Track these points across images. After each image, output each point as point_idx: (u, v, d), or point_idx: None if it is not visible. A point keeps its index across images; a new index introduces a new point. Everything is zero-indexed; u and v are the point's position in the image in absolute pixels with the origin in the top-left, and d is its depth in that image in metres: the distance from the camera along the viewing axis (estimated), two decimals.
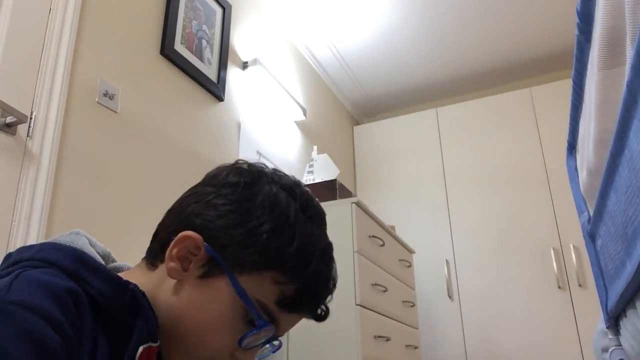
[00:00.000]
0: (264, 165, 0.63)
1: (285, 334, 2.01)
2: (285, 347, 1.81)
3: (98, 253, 0.59)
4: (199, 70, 1.99)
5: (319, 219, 0.62)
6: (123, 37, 1.66)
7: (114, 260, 0.63)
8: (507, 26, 2.96)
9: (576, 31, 0.67)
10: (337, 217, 1.91)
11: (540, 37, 3.05)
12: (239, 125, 2.22)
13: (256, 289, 0.55)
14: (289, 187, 0.61)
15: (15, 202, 1.24)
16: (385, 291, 2.01)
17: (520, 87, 3.37)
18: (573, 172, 0.86)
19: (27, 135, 1.30)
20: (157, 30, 1.82)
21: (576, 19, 0.66)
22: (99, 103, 1.52)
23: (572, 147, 0.87)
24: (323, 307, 0.62)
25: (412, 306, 2.34)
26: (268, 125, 2.48)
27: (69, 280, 0.49)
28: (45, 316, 0.43)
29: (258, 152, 2.31)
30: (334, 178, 2.15)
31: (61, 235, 0.57)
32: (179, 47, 1.90)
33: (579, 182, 0.81)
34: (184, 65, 1.90)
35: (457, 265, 2.93)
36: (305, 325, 2.08)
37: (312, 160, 2.34)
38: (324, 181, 2.09)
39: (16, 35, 1.31)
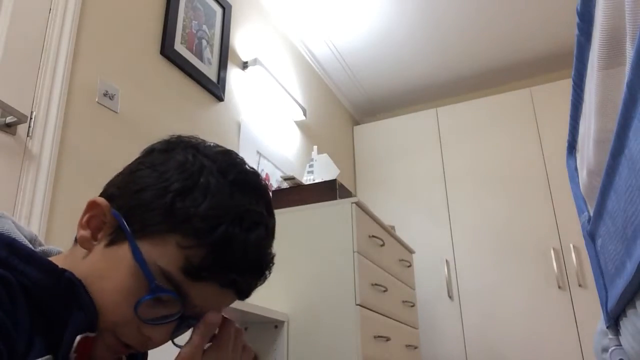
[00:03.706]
0: (196, 138, 0.60)
1: (285, 334, 1.98)
2: (285, 347, 1.81)
3: (25, 237, 0.57)
4: (199, 70, 1.99)
5: (247, 186, 0.57)
6: (123, 37, 1.66)
7: (41, 244, 0.61)
8: (507, 26, 2.96)
9: (576, 31, 0.67)
10: (337, 217, 1.91)
11: (540, 37, 3.05)
12: (239, 125, 2.22)
13: (159, 255, 0.52)
14: (212, 153, 0.57)
15: (15, 202, 1.24)
16: (385, 291, 2.01)
17: (520, 87, 3.37)
18: (573, 172, 0.86)
19: (27, 135, 1.30)
20: (157, 30, 1.82)
21: (576, 19, 0.66)
22: (99, 103, 1.52)
23: (572, 147, 0.87)
24: (241, 281, 0.55)
25: (412, 306, 2.34)
26: (268, 125, 2.48)
27: None
28: None
29: (258, 152, 2.31)
30: (334, 178, 2.15)
31: None
32: (179, 47, 1.90)
33: (579, 182, 0.81)
34: (184, 65, 1.90)
35: (457, 265, 2.93)
36: (305, 324, 2.06)
37: (312, 160, 2.34)
38: (324, 181, 2.09)
39: (16, 35, 1.31)
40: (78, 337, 0.49)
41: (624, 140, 0.47)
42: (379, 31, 2.96)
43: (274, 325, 1.84)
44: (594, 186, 0.66)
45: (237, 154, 0.60)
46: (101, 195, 0.58)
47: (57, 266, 0.51)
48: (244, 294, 0.57)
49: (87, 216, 0.55)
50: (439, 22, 2.91)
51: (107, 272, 0.53)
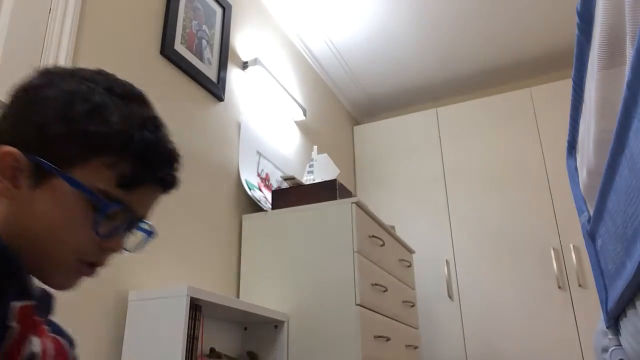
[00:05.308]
0: (64, 67, 0.63)
1: (285, 334, 1.98)
2: (285, 347, 1.81)
3: None
4: (199, 70, 1.98)
5: (133, 96, 0.61)
6: (123, 37, 1.66)
7: None
8: (506, 26, 2.96)
9: (576, 31, 0.67)
10: (337, 217, 1.91)
11: (540, 37, 3.05)
12: (239, 125, 2.22)
13: (91, 179, 0.55)
14: (89, 75, 0.60)
15: None
16: (385, 291, 2.01)
17: (520, 87, 3.37)
18: (573, 172, 0.86)
19: None
20: (157, 30, 1.82)
21: (576, 19, 0.66)
22: None
23: (572, 147, 0.87)
24: (167, 175, 0.61)
25: (412, 306, 2.34)
26: (268, 125, 2.48)
27: None
28: None
29: (258, 152, 2.31)
30: (334, 178, 2.15)
31: None
32: (179, 47, 1.90)
33: (579, 182, 0.81)
34: (184, 65, 1.90)
35: (457, 265, 2.93)
36: (305, 324, 2.05)
37: (312, 160, 2.34)
38: (324, 181, 2.09)
39: (16, 35, 1.31)
40: (17, 305, 0.49)
41: (624, 140, 0.47)
42: (379, 31, 2.96)
43: (274, 325, 1.85)
44: (594, 186, 0.66)
45: (106, 72, 0.63)
46: None
47: None
48: (171, 185, 0.62)
49: None
50: (438, 22, 2.91)
51: (49, 210, 0.55)
